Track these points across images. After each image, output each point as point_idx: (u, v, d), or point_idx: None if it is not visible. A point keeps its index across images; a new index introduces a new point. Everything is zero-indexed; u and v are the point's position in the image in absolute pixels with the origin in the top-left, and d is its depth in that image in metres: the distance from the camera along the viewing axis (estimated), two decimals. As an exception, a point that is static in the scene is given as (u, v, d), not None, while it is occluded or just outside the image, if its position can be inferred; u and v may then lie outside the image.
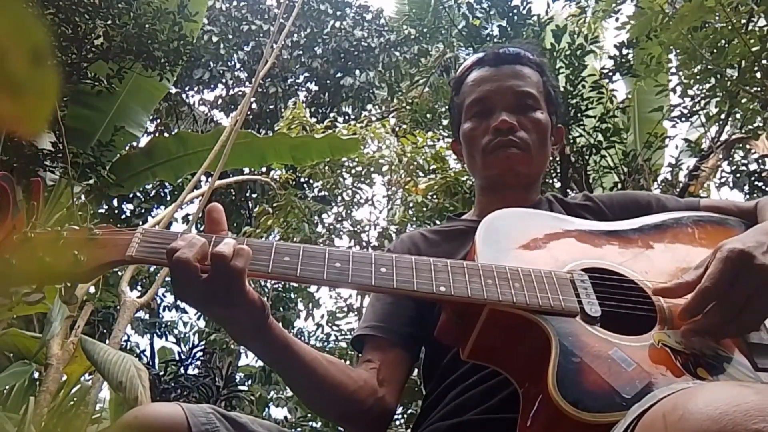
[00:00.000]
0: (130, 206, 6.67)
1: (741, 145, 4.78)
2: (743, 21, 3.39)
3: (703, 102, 3.75)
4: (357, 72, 8.23)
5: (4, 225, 0.79)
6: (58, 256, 0.79)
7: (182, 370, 6.48)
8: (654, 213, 1.12)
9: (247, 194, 8.08)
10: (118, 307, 3.95)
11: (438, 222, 4.46)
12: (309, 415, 5.12)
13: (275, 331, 0.93)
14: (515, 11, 4.10)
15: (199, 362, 7.46)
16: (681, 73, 3.72)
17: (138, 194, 6.63)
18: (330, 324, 5.78)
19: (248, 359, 8.22)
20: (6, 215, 0.79)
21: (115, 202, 5.99)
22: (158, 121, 8.35)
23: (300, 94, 8.82)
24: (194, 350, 7.20)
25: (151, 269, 7.13)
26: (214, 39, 7.77)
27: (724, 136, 4.64)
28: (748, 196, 4.54)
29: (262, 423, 0.98)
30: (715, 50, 3.37)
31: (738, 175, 4.57)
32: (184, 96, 8.73)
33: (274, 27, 4.84)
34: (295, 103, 5.79)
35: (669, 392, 0.62)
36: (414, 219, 4.70)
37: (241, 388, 6.97)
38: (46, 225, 0.83)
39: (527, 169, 1.22)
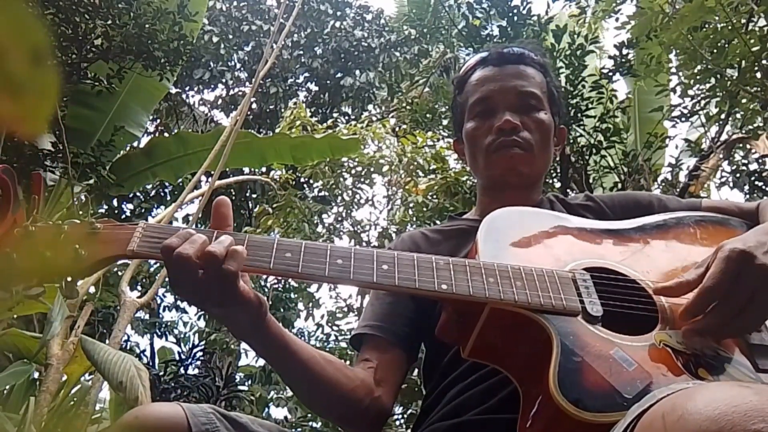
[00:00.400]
0: (130, 206, 6.67)
1: (741, 145, 4.78)
2: (743, 21, 3.39)
3: (703, 102, 3.75)
4: (357, 72, 8.23)
5: (4, 219, 0.79)
6: (58, 251, 0.79)
7: (182, 370, 6.48)
8: (655, 213, 1.12)
9: (247, 194, 8.09)
10: (118, 307, 3.95)
11: (438, 222, 4.46)
12: (309, 415, 5.12)
13: (272, 328, 0.93)
14: (515, 11, 4.10)
15: (199, 362, 7.46)
16: (681, 73, 3.72)
17: (138, 194, 6.63)
18: (330, 324, 5.78)
19: (248, 359, 8.23)
20: (7, 209, 0.79)
21: (115, 202, 5.99)
22: (158, 121, 8.35)
23: (300, 94, 8.83)
24: (194, 350, 7.20)
25: (151, 269, 7.14)
26: (215, 39, 7.78)
27: (724, 136, 4.64)
28: (748, 196, 4.54)
29: (262, 423, 0.98)
30: (715, 50, 3.37)
31: (738, 175, 4.56)
32: (184, 96, 8.73)
33: (275, 27, 4.84)
34: (296, 104, 5.80)
35: (668, 392, 0.62)
36: (414, 219, 4.70)
37: (241, 388, 6.97)
38: (47, 220, 0.83)
39: (530, 170, 1.21)
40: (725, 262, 0.83)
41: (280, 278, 7.11)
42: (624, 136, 4.34)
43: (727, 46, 3.31)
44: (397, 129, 6.15)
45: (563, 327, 0.82)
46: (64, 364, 3.13)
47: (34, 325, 3.83)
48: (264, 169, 6.55)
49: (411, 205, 4.77)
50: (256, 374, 7.60)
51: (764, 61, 3.22)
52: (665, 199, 1.23)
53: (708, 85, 3.59)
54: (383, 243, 4.96)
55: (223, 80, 8.28)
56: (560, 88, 1.35)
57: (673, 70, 3.84)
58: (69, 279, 0.81)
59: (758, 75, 3.28)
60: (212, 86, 8.53)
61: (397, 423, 4.44)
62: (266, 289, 7.41)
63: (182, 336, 8.46)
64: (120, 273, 5.01)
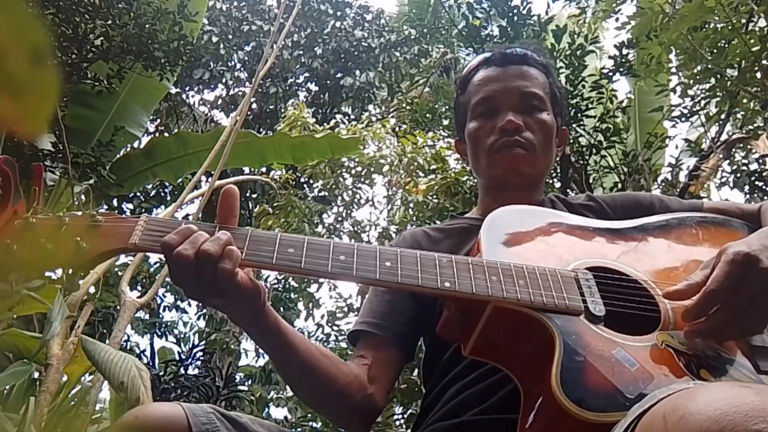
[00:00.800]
0: (130, 206, 6.67)
1: (741, 145, 4.78)
2: (743, 21, 3.39)
3: (703, 102, 3.75)
4: (357, 72, 8.23)
5: (5, 210, 0.78)
6: (59, 243, 0.78)
7: (182, 370, 6.48)
8: (657, 214, 1.12)
9: (248, 194, 8.08)
10: (118, 307, 3.95)
11: (438, 222, 4.46)
12: (309, 415, 5.12)
13: (270, 319, 0.93)
14: (515, 11, 4.10)
15: (199, 362, 7.46)
16: (681, 73, 3.72)
17: (138, 194, 6.63)
18: (330, 324, 5.78)
19: (248, 359, 8.23)
20: (7, 200, 0.79)
21: (115, 202, 5.99)
22: (158, 121, 8.35)
23: (300, 95, 8.83)
24: (194, 350, 7.20)
25: (151, 269, 7.14)
26: (215, 39, 7.78)
27: (724, 136, 4.64)
28: (748, 196, 4.54)
29: (262, 423, 0.98)
30: (715, 50, 3.36)
31: (738, 175, 4.56)
32: (184, 96, 8.73)
33: (274, 27, 4.84)
34: (295, 105, 5.79)
35: (669, 392, 0.62)
36: (414, 219, 4.69)
37: (241, 388, 6.96)
38: (48, 211, 0.82)
39: (532, 170, 1.22)
40: (729, 265, 0.83)
41: (280, 278, 7.12)
42: (624, 136, 4.34)
43: (727, 46, 3.31)
44: (397, 129, 6.15)
45: (566, 326, 0.81)
46: (64, 364, 3.13)
47: (34, 325, 3.83)
48: (264, 169, 6.55)
49: (411, 205, 4.77)
50: (256, 374, 7.60)
51: (764, 61, 3.22)
52: (667, 200, 1.24)
53: (708, 85, 3.59)
54: (383, 243, 4.96)
55: (223, 80, 8.28)
56: (563, 89, 1.36)
57: (673, 70, 3.84)
58: (70, 271, 0.81)
59: (758, 75, 3.28)
60: (212, 86, 8.53)
61: (397, 423, 4.44)
62: (266, 289, 7.40)
63: (182, 336, 8.46)
64: (120, 273, 5.01)
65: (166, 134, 7.76)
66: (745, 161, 4.79)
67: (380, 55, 8.29)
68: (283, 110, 6.93)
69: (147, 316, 7.75)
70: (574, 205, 1.26)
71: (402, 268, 0.85)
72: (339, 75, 8.44)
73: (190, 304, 8.42)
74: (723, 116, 4.24)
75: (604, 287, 0.89)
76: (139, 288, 7.04)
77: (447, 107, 5.64)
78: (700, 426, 0.51)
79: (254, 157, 4.76)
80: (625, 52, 4.03)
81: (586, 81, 3.96)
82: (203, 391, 5.70)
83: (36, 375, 3.27)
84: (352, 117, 8.14)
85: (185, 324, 8.65)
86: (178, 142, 4.71)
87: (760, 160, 4.74)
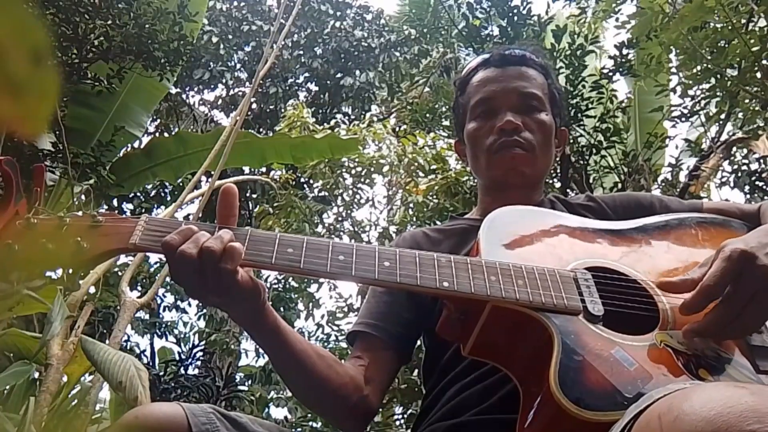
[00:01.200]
0: (130, 206, 6.66)
1: (742, 145, 4.78)
2: (743, 21, 3.39)
3: (703, 102, 3.75)
4: (357, 72, 8.23)
5: (6, 210, 0.78)
6: (60, 243, 0.78)
7: (182, 370, 6.47)
8: (657, 214, 1.12)
9: (248, 194, 8.08)
10: (118, 307, 3.95)
11: (438, 223, 4.46)
12: (309, 415, 5.12)
13: (270, 318, 0.94)
14: (515, 11, 4.10)
15: (199, 362, 7.45)
16: (681, 73, 3.72)
17: (138, 194, 6.63)
18: (330, 324, 5.78)
19: (248, 359, 8.23)
20: (9, 200, 0.79)
21: (115, 202, 5.99)
22: (158, 121, 8.35)
23: (300, 95, 8.82)
24: (194, 350, 7.20)
25: (152, 269, 7.14)
26: (215, 39, 7.77)
27: (724, 136, 4.64)
28: (749, 196, 4.54)
29: (262, 423, 0.98)
30: (715, 50, 3.36)
31: (739, 175, 4.56)
32: (184, 96, 8.72)
33: (274, 27, 4.84)
34: (295, 106, 5.79)
35: (665, 393, 0.62)
36: (414, 219, 4.69)
37: (241, 388, 6.96)
38: (49, 212, 0.83)
39: (531, 170, 1.22)
40: (726, 261, 0.83)
41: (280, 278, 7.12)
42: (624, 136, 4.34)
43: (727, 46, 3.31)
44: (397, 129, 6.15)
45: (564, 326, 0.81)
46: (64, 364, 3.13)
47: (34, 325, 3.83)
48: (264, 169, 6.55)
49: (411, 205, 4.77)
50: (256, 374, 7.60)
51: (764, 61, 3.22)
52: (667, 200, 1.24)
53: (708, 85, 3.59)
54: (383, 243, 4.96)
55: (223, 80, 8.27)
56: (562, 90, 1.36)
57: (673, 70, 3.84)
58: (70, 271, 0.81)
59: (758, 75, 3.28)
60: (212, 86, 8.52)
61: (397, 423, 4.44)
62: (266, 289, 7.39)
63: (182, 336, 8.46)
64: (120, 273, 5.01)
65: (166, 134, 7.76)
66: (745, 161, 4.79)
67: (380, 55, 8.28)
68: (283, 110, 6.93)
69: (147, 316, 7.75)
70: (573, 206, 1.26)
71: (401, 268, 0.85)
72: (339, 75, 8.44)
73: (190, 304, 8.43)
74: (723, 116, 4.24)
75: (603, 287, 0.89)
76: (139, 288, 7.04)
77: (447, 107, 5.64)
78: (694, 426, 0.51)
79: (254, 157, 4.76)
80: (625, 52, 4.03)
81: (586, 81, 3.96)
82: (203, 391, 5.70)
83: (36, 375, 3.27)
84: (352, 117, 8.14)
85: (185, 324, 8.65)
86: (178, 142, 4.70)
87: (761, 160, 4.74)
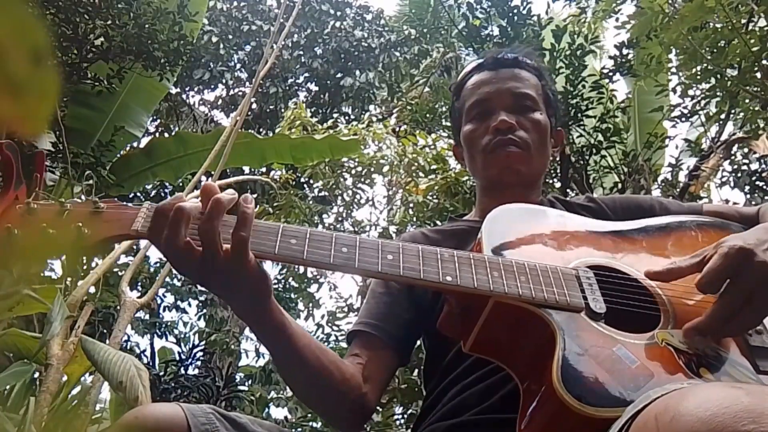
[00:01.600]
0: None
1: (742, 145, 4.78)
2: (743, 21, 3.39)
3: (703, 102, 3.75)
4: (357, 72, 8.23)
5: (6, 195, 0.78)
6: (61, 229, 0.77)
7: (182, 370, 6.47)
8: (657, 217, 1.13)
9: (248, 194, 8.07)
10: (118, 307, 3.95)
11: (438, 222, 4.46)
12: (309, 414, 5.12)
13: (275, 312, 0.92)
14: (515, 11, 4.10)
15: (199, 362, 7.45)
16: (681, 73, 3.72)
17: (138, 194, 6.63)
18: (330, 324, 5.78)
19: (248, 359, 8.23)
20: (9, 185, 0.78)
21: (115, 202, 5.98)
22: (158, 121, 8.35)
23: (300, 95, 8.83)
24: (194, 350, 7.19)
25: (152, 269, 7.14)
26: (215, 39, 7.77)
27: (724, 136, 4.64)
28: (749, 196, 4.54)
29: (262, 423, 0.98)
30: (715, 50, 3.36)
31: (739, 175, 4.56)
32: (184, 96, 8.72)
33: (275, 27, 4.84)
34: (296, 104, 5.80)
35: (663, 392, 0.62)
36: (414, 219, 4.69)
37: (241, 388, 6.96)
38: (49, 196, 0.82)
39: (527, 168, 1.23)
40: (724, 258, 0.83)
41: (280, 278, 7.12)
42: (624, 136, 4.34)
43: (727, 46, 3.31)
44: (397, 129, 6.15)
45: (566, 323, 0.82)
46: (64, 364, 3.13)
47: (34, 325, 3.83)
48: (264, 169, 6.55)
49: (411, 205, 4.77)
50: (256, 374, 7.60)
51: (764, 61, 3.22)
52: (667, 203, 1.25)
53: (708, 85, 3.59)
54: (383, 243, 4.95)
55: (223, 80, 8.27)
56: (556, 92, 1.38)
57: (673, 70, 3.84)
58: (71, 258, 0.81)
59: (758, 75, 3.28)
60: (212, 86, 8.52)
61: (397, 423, 4.44)
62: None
63: (182, 336, 8.46)
64: (120, 273, 5.01)
65: (166, 134, 7.77)
66: (746, 161, 4.79)
67: (380, 55, 8.28)
68: (282, 110, 6.93)
69: (147, 316, 7.75)
70: (573, 206, 1.26)
71: (404, 260, 0.85)
72: (339, 75, 8.44)
73: (190, 305, 8.43)
74: (723, 116, 4.24)
75: (605, 285, 0.89)
76: (139, 288, 7.04)
77: (447, 107, 5.63)
78: (690, 427, 0.51)
79: (254, 158, 4.76)
80: (624, 52, 4.03)
81: (586, 81, 3.96)
82: (203, 391, 5.70)
83: (36, 375, 3.27)
84: (352, 117, 8.14)
85: (185, 324, 8.65)
86: (178, 142, 4.71)
87: (761, 160, 4.74)
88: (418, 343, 1.26)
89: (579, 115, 3.96)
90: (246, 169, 6.61)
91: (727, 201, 4.52)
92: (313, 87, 8.96)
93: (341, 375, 1.04)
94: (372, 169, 5.14)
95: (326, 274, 6.07)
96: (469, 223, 1.29)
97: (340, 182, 5.26)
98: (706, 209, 1.18)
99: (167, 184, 6.53)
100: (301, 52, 8.34)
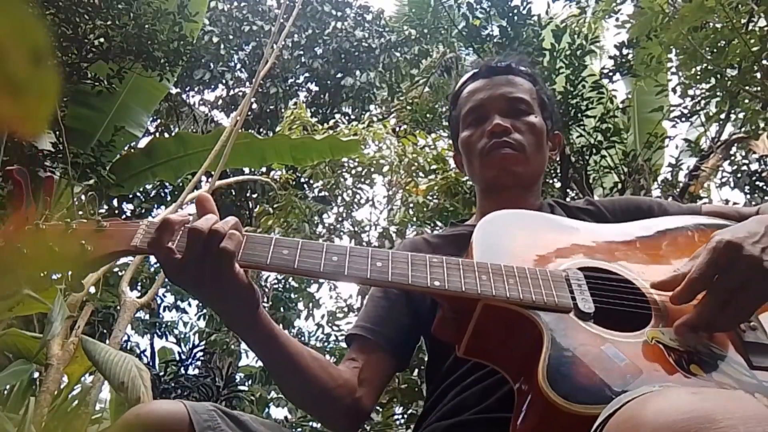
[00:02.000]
0: (131, 206, 6.67)
1: (742, 145, 4.78)
2: (743, 21, 3.39)
3: (703, 102, 3.75)
4: (357, 72, 8.23)
5: (18, 216, 0.83)
6: (66, 246, 0.83)
7: (182, 370, 6.48)
8: (656, 217, 1.13)
9: (248, 194, 8.08)
10: (119, 308, 3.95)
11: (438, 222, 4.47)
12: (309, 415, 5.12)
13: (265, 322, 0.95)
14: (515, 11, 4.10)
15: (199, 362, 7.46)
16: (681, 73, 3.72)
17: (138, 194, 6.63)
18: (330, 324, 5.78)
19: (248, 359, 8.22)
20: (20, 207, 0.84)
21: (115, 202, 5.99)
22: (158, 121, 8.35)
23: (300, 95, 8.83)
24: (194, 350, 7.20)
25: (152, 269, 7.14)
26: (215, 39, 7.77)
27: (724, 136, 4.64)
28: (748, 196, 4.54)
29: (263, 422, 0.99)
30: (715, 50, 3.37)
31: (739, 175, 4.56)
32: (184, 96, 8.73)
33: (275, 27, 4.84)
34: (296, 104, 5.80)
35: (634, 396, 0.64)
36: (414, 219, 4.70)
37: (241, 388, 6.96)
38: (57, 217, 0.87)
39: (523, 169, 1.24)
40: (711, 252, 0.83)
41: (280, 278, 7.12)
42: (624, 136, 4.34)
43: (727, 46, 3.31)
44: (397, 129, 6.15)
45: (554, 323, 0.82)
46: (64, 364, 3.13)
47: (34, 325, 3.83)
48: (264, 169, 6.55)
49: (411, 205, 4.77)
50: (256, 374, 7.60)
51: (764, 61, 3.22)
52: (666, 204, 1.25)
53: (708, 85, 3.60)
54: (383, 243, 4.96)
55: (224, 80, 8.27)
56: (552, 96, 1.41)
57: (673, 70, 3.84)
58: (75, 273, 0.87)
59: (758, 75, 3.28)
60: (212, 86, 8.53)
61: (398, 423, 4.44)
62: (266, 289, 7.41)
63: (182, 336, 8.47)
64: (120, 273, 5.01)
65: (166, 134, 7.77)
66: (745, 161, 4.79)
67: (380, 55, 8.29)
68: (283, 110, 6.94)
69: (147, 317, 7.76)
70: (572, 209, 1.27)
71: (393, 267, 0.87)
72: (339, 75, 8.44)
73: (190, 305, 8.43)
74: (723, 116, 4.24)
75: (595, 286, 0.89)
76: (139, 288, 7.04)
77: (447, 107, 5.63)
78: None
79: (254, 158, 4.77)
80: (624, 52, 4.03)
81: (586, 81, 3.96)
82: (203, 391, 5.70)
83: (36, 375, 3.27)
84: (353, 117, 8.14)
85: (185, 324, 8.66)
86: (178, 142, 4.71)
87: (761, 160, 4.74)
88: (419, 342, 1.27)
89: (579, 115, 3.96)
90: (246, 169, 6.62)
91: (727, 201, 4.52)
92: (314, 87, 8.96)
93: (334, 381, 1.06)
94: (372, 169, 5.14)
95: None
96: (469, 228, 1.29)
97: (340, 182, 5.26)
98: (705, 210, 1.18)
99: (167, 184, 6.53)
100: (302, 52, 8.35)
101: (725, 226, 1.08)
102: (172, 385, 5.69)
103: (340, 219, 5.45)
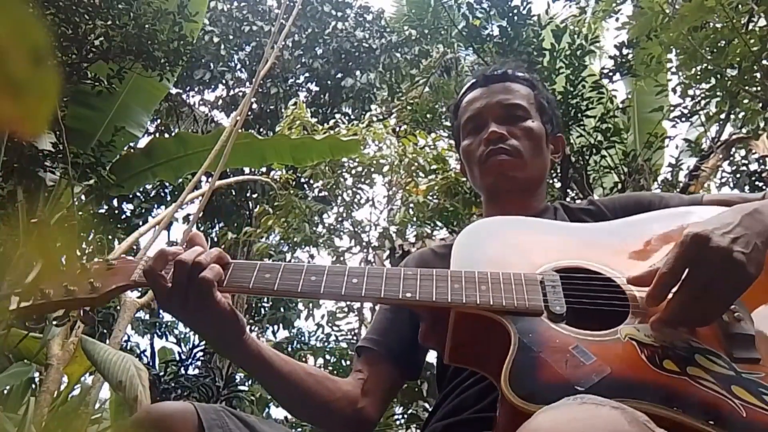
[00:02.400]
0: (130, 206, 6.66)
1: (741, 145, 4.78)
2: (743, 21, 3.39)
3: (703, 102, 3.75)
4: (358, 73, 8.24)
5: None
6: (78, 285, 0.93)
7: (182, 370, 6.48)
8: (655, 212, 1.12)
9: (248, 194, 8.08)
10: (119, 308, 3.95)
11: (438, 222, 4.47)
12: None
13: (251, 347, 1.01)
14: (515, 11, 4.10)
15: (199, 362, 7.45)
16: (681, 73, 3.72)
17: (138, 194, 6.63)
18: (330, 324, 5.78)
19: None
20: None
21: (115, 202, 5.99)
22: (158, 121, 8.35)
23: (300, 95, 8.82)
24: (194, 350, 7.20)
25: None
26: (215, 39, 7.78)
27: (724, 136, 4.64)
28: (748, 197, 4.53)
29: (271, 423, 1.04)
30: (715, 50, 3.37)
31: (739, 175, 4.56)
32: (184, 96, 8.73)
33: (275, 27, 4.84)
34: (296, 104, 5.80)
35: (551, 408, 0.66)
36: (414, 219, 4.70)
37: (241, 388, 6.96)
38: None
39: (521, 174, 1.25)
40: (679, 246, 0.81)
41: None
42: (624, 136, 4.34)
43: (727, 46, 3.31)
44: (397, 129, 6.15)
45: (524, 326, 0.83)
46: (64, 364, 3.13)
47: (34, 325, 3.83)
48: (264, 169, 6.55)
49: (411, 205, 4.77)
50: (257, 374, 7.59)
51: (764, 61, 3.23)
52: (667, 197, 1.23)
53: (708, 85, 3.60)
54: (383, 243, 4.97)
55: (224, 81, 8.28)
56: (552, 99, 1.39)
57: (673, 70, 3.84)
58: (87, 309, 0.96)
59: (758, 75, 3.28)
60: (212, 87, 8.53)
61: (397, 423, 4.44)
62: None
63: (182, 336, 8.45)
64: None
65: (166, 134, 7.77)
66: (745, 161, 4.79)
67: (381, 55, 8.29)
68: (283, 110, 6.93)
69: (147, 317, 7.75)
70: (575, 211, 1.28)
71: (367, 283, 0.92)
72: (339, 75, 8.44)
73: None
74: (723, 116, 4.24)
75: (571, 287, 0.89)
76: (139, 288, 7.03)
77: (447, 107, 5.63)
78: None
79: (254, 158, 4.77)
80: (624, 52, 4.03)
81: (586, 81, 3.97)
82: (203, 391, 5.71)
83: (36, 375, 3.27)
84: (353, 117, 8.14)
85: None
86: (179, 142, 4.70)
87: (760, 160, 4.74)
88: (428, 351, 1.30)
89: (579, 115, 3.96)
90: (246, 169, 6.62)
91: (732, 192, 4.51)
92: (314, 87, 8.96)
93: (332, 394, 1.09)
94: (372, 169, 5.14)
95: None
96: None
97: (340, 182, 5.26)
98: (706, 200, 1.16)
99: (167, 184, 6.53)
100: (302, 53, 8.35)
101: None
102: (172, 385, 5.69)
103: (340, 219, 5.45)
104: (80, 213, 3.89)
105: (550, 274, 0.91)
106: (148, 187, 6.71)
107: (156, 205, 6.95)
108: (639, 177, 4.39)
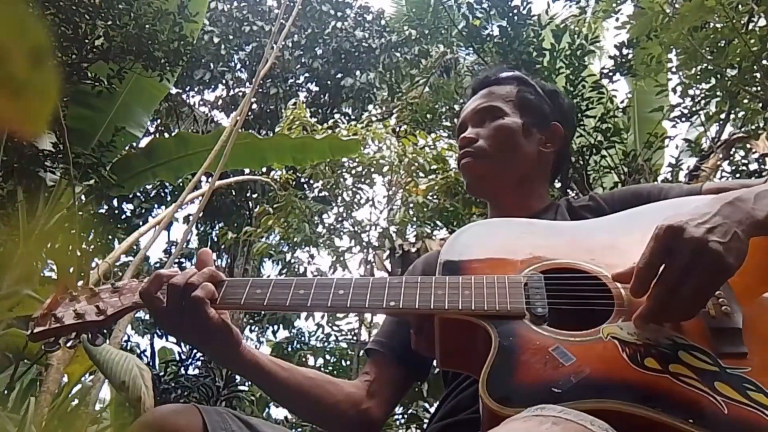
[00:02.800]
0: (131, 206, 6.67)
1: (741, 145, 4.77)
2: (743, 21, 3.39)
3: (703, 102, 3.75)
4: (357, 73, 8.23)
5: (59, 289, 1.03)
6: (87, 309, 1.00)
7: (182, 370, 6.47)
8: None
9: (248, 194, 8.08)
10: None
11: (438, 222, 4.47)
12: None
13: (248, 357, 1.04)
14: (515, 11, 4.10)
15: (199, 362, 7.44)
16: (681, 73, 3.72)
17: (138, 194, 6.63)
18: (330, 324, 5.78)
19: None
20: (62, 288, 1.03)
21: (115, 202, 5.99)
22: (159, 121, 8.35)
23: (300, 95, 8.82)
24: (194, 350, 7.19)
25: (152, 270, 7.14)
26: (215, 40, 7.78)
27: (724, 136, 4.64)
28: (748, 196, 4.53)
29: (273, 426, 1.06)
30: (715, 50, 3.37)
31: (738, 175, 4.56)
32: (184, 96, 8.73)
33: (275, 28, 4.84)
34: (296, 104, 5.80)
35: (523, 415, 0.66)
36: (414, 219, 4.70)
37: (241, 388, 6.95)
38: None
39: (489, 172, 1.26)
40: (653, 240, 0.80)
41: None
42: (624, 136, 4.34)
43: (727, 46, 3.31)
44: (397, 129, 6.15)
45: (505, 329, 0.83)
46: (64, 364, 3.13)
47: (34, 325, 3.83)
48: (264, 169, 6.55)
49: (411, 205, 4.77)
50: (257, 374, 7.58)
51: (764, 61, 3.23)
52: (667, 188, 1.20)
53: (708, 85, 3.60)
54: (383, 243, 4.97)
55: (224, 81, 8.28)
56: (543, 92, 1.36)
57: (673, 70, 3.84)
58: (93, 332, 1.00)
59: (758, 75, 3.28)
60: (213, 87, 8.53)
61: (397, 423, 4.44)
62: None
63: (182, 336, 8.45)
64: (120, 273, 5.02)
65: (166, 135, 7.76)
66: (745, 161, 4.78)
67: (381, 55, 8.29)
68: (283, 111, 6.93)
69: (147, 316, 7.75)
70: (575, 208, 1.26)
71: (353, 294, 0.94)
72: (339, 75, 8.44)
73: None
74: (723, 116, 4.24)
75: (555, 288, 0.88)
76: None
77: (447, 107, 5.64)
78: None
79: (254, 158, 4.77)
80: (624, 52, 4.03)
81: (586, 81, 3.97)
82: (203, 391, 5.70)
83: (36, 375, 3.27)
84: (353, 117, 8.14)
85: (186, 324, 8.62)
86: (179, 142, 4.71)
87: (760, 160, 4.74)
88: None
89: (579, 115, 3.96)
90: (246, 169, 6.62)
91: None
92: (314, 87, 8.96)
93: (333, 397, 1.11)
94: (372, 169, 5.14)
95: (327, 275, 6.07)
96: None
97: (340, 182, 5.26)
98: (705, 188, 1.14)
99: (167, 184, 6.53)
100: (302, 53, 8.35)
101: None
102: (172, 385, 5.68)
103: (340, 219, 5.45)
104: (80, 213, 3.89)
105: (534, 276, 0.91)
106: (148, 187, 6.72)
107: (156, 205, 6.96)
108: (639, 177, 4.38)
